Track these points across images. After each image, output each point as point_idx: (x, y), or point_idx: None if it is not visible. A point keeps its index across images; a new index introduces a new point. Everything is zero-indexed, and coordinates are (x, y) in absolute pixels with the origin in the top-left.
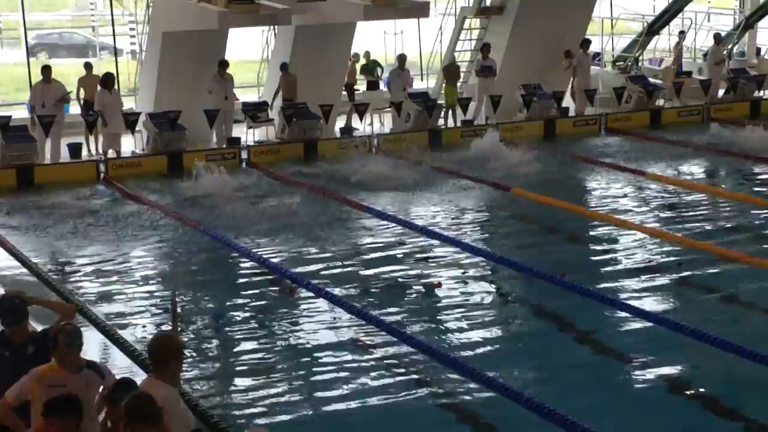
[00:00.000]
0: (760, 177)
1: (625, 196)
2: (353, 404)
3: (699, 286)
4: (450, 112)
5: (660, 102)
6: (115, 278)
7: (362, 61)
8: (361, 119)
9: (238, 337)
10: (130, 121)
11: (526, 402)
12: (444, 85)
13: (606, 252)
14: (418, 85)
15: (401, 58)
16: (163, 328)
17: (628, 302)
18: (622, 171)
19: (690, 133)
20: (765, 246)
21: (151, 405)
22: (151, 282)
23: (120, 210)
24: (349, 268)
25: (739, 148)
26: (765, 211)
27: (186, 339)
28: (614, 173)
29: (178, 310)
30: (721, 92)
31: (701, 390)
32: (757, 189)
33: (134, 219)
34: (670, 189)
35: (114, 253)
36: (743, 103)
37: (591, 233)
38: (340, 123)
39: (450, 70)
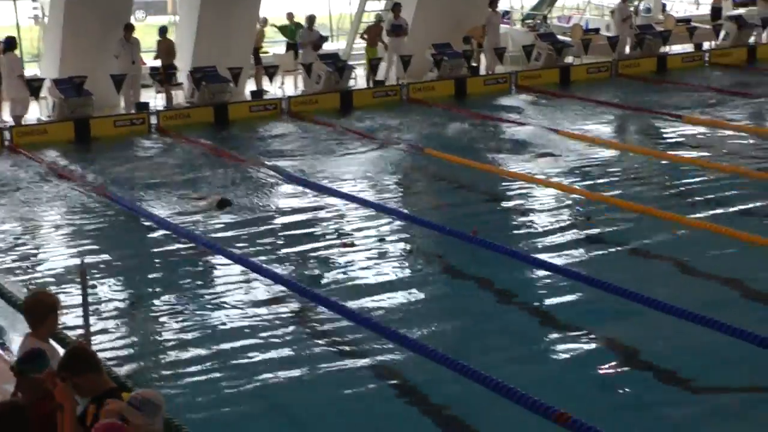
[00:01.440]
0: (667, 132)
1: (537, 152)
2: (270, 369)
3: (610, 241)
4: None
5: (569, 59)
6: (22, 247)
7: (285, 23)
8: (271, 81)
9: (149, 303)
10: (34, 87)
11: (443, 359)
12: (366, 46)
13: (518, 209)
14: (328, 46)
15: (310, 19)
16: (70, 296)
17: (542, 258)
18: (533, 128)
19: (597, 89)
20: (671, 199)
21: (90, 353)
22: (58, 250)
23: (26, 177)
24: (262, 232)
25: (644, 103)
26: (672, 166)
27: (96, 307)
28: (525, 130)
29: (88, 278)
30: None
31: (617, 343)
32: (663, 143)
33: (40, 187)
34: (581, 145)
35: (21, 221)
36: (650, 58)
37: (503, 191)
38: (250, 86)
39: (374, 31)
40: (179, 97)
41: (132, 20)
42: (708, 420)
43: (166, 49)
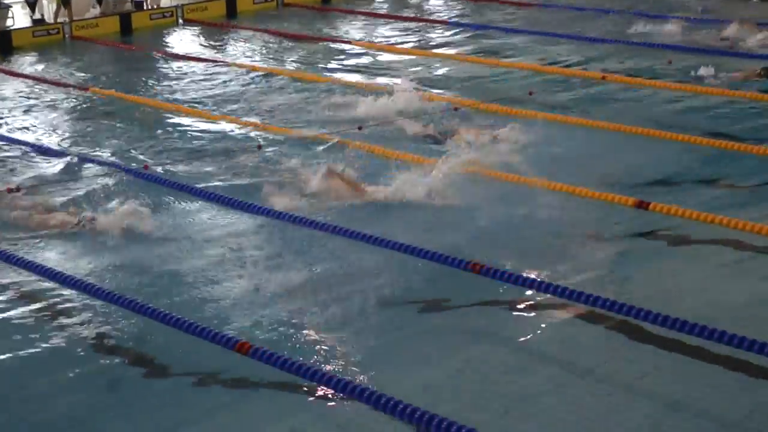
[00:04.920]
0: (341, 58)
1: (205, 85)
2: None
3: (273, 161)
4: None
5: None
6: None
7: None
8: None
9: None
10: None
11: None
12: None
13: (187, 141)
14: None
15: None
16: None
17: (206, 189)
18: (201, 61)
19: (265, 20)
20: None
21: None
22: None
23: None
24: None
25: (314, 31)
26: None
27: None
28: (193, 64)
29: None
30: None
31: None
32: (339, 70)
33: None
34: (253, 75)
35: None
36: None
37: (172, 125)
38: None
39: None
40: None
41: None
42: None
43: None
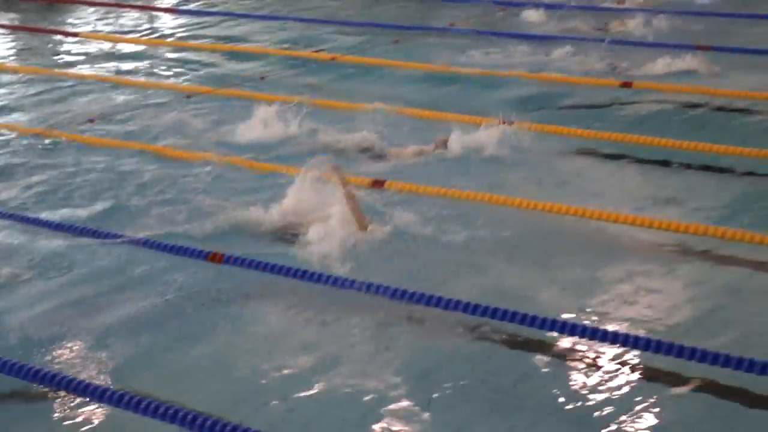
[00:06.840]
0: (66, 50)
1: None
2: None
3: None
4: None
5: None
6: None
7: None
8: None
9: None
10: None
11: None
12: None
13: None
14: None
15: None
16: None
17: None
18: None
19: None
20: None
21: None
22: None
23: None
24: None
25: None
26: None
27: None
28: None
29: None
30: None
31: None
32: (63, 62)
33: None
34: None
35: None
36: None
37: None
38: None
39: None
40: None
41: None
42: None
43: None
